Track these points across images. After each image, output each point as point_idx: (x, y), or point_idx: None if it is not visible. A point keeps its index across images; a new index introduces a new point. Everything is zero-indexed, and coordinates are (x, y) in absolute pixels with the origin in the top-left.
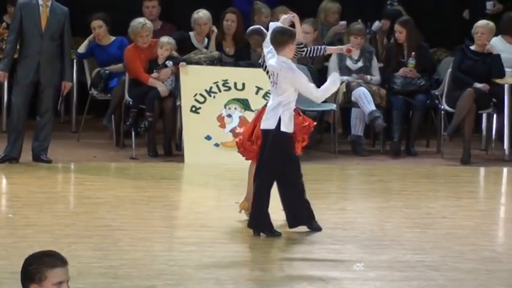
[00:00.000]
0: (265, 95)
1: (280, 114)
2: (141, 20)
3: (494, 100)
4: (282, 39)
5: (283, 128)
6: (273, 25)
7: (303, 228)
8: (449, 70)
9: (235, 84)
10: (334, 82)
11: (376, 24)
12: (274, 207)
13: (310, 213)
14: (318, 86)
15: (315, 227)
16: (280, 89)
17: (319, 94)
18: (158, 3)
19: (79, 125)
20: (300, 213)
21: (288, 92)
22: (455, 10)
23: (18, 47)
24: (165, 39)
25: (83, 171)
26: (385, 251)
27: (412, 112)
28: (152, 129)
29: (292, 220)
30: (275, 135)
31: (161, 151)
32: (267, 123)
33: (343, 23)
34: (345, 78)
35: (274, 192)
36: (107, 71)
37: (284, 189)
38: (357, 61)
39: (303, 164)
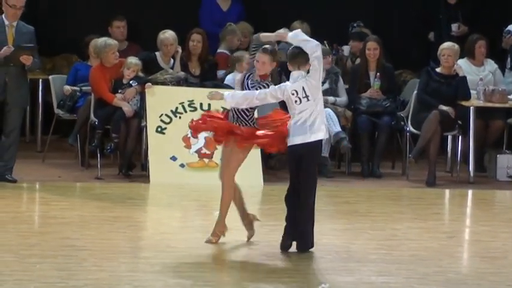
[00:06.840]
0: None
1: None
2: (104, 38)
3: (459, 122)
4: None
5: None
6: None
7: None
8: (415, 92)
9: (201, 104)
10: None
11: (346, 47)
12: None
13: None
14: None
15: None
16: None
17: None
18: (126, 23)
19: (44, 144)
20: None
21: None
22: (420, 32)
23: None
24: (132, 59)
25: (48, 191)
26: (350, 272)
27: (377, 133)
28: (118, 150)
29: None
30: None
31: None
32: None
33: None
34: None
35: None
36: (78, 92)
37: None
38: (323, 83)
39: (267, 185)
